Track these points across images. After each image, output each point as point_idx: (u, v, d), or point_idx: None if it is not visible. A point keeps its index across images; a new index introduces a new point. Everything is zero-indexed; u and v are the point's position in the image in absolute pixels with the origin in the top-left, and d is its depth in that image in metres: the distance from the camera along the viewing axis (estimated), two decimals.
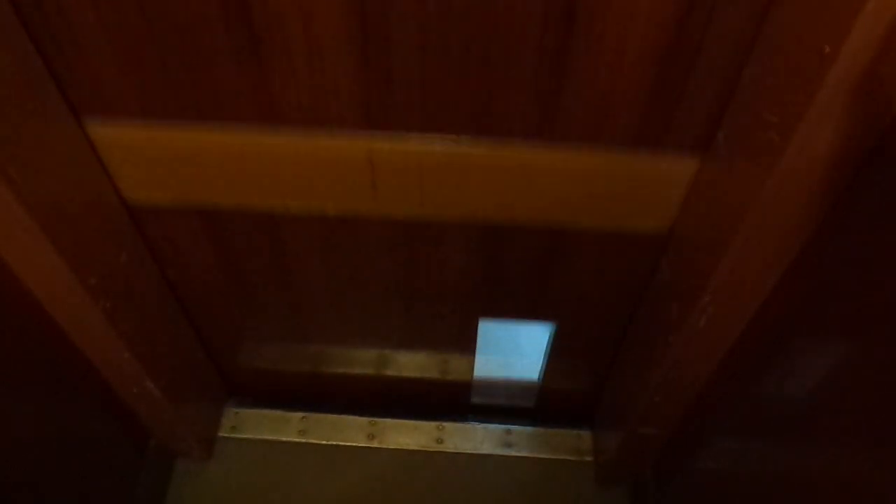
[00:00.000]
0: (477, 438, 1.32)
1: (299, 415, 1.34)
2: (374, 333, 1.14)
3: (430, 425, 1.33)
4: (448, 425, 1.33)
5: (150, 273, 0.96)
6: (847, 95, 0.52)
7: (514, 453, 1.31)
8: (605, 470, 1.24)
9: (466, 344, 1.14)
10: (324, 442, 1.32)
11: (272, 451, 1.31)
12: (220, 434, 1.32)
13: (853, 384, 0.59)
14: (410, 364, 1.23)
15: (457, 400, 1.32)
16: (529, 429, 1.33)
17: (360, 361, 1.23)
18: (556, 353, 1.16)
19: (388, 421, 1.34)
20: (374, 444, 1.31)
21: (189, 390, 1.17)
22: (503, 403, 1.34)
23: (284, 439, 1.32)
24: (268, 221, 0.89)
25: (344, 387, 1.30)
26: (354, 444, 1.31)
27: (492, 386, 1.29)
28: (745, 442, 0.81)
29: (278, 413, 1.35)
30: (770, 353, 0.74)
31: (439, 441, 1.32)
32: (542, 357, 1.19)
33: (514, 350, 1.27)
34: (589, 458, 1.30)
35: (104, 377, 0.99)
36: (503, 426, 1.33)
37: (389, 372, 1.25)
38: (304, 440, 1.32)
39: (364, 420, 1.34)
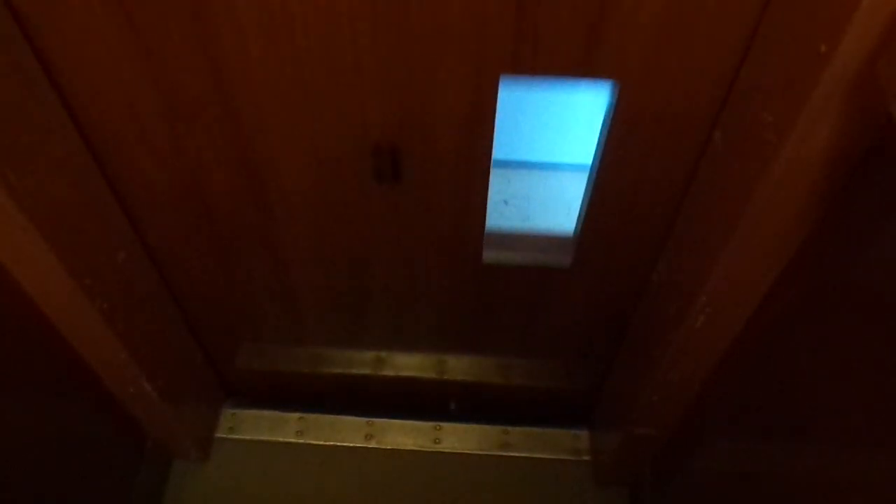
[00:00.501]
0: (474, 438, 1.32)
1: (297, 415, 1.34)
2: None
3: (427, 425, 1.33)
4: (446, 425, 1.33)
5: (147, 273, 0.96)
6: (843, 95, 0.52)
7: (511, 453, 1.31)
8: (603, 470, 1.24)
9: (483, 109, 0.74)
10: (321, 442, 1.32)
11: (270, 451, 1.31)
12: (218, 434, 1.32)
13: (853, 384, 0.59)
14: (409, 363, 1.23)
15: (456, 394, 1.31)
16: (527, 429, 1.33)
17: (359, 360, 1.23)
18: (616, 144, 0.76)
19: (386, 421, 1.34)
20: (372, 445, 1.31)
21: (186, 391, 1.17)
22: (529, 261, 1.00)
23: (282, 440, 1.32)
24: None
25: (341, 387, 1.30)
26: (352, 444, 1.31)
27: (512, 236, 1.00)
28: (745, 442, 0.81)
29: (276, 414, 1.34)
30: (769, 353, 0.74)
31: (437, 441, 1.32)
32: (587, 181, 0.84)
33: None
34: (587, 458, 1.30)
35: (101, 378, 0.99)
36: (501, 426, 1.33)
37: (387, 372, 1.25)
38: (301, 441, 1.32)
39: (362, 420, 1.34)
